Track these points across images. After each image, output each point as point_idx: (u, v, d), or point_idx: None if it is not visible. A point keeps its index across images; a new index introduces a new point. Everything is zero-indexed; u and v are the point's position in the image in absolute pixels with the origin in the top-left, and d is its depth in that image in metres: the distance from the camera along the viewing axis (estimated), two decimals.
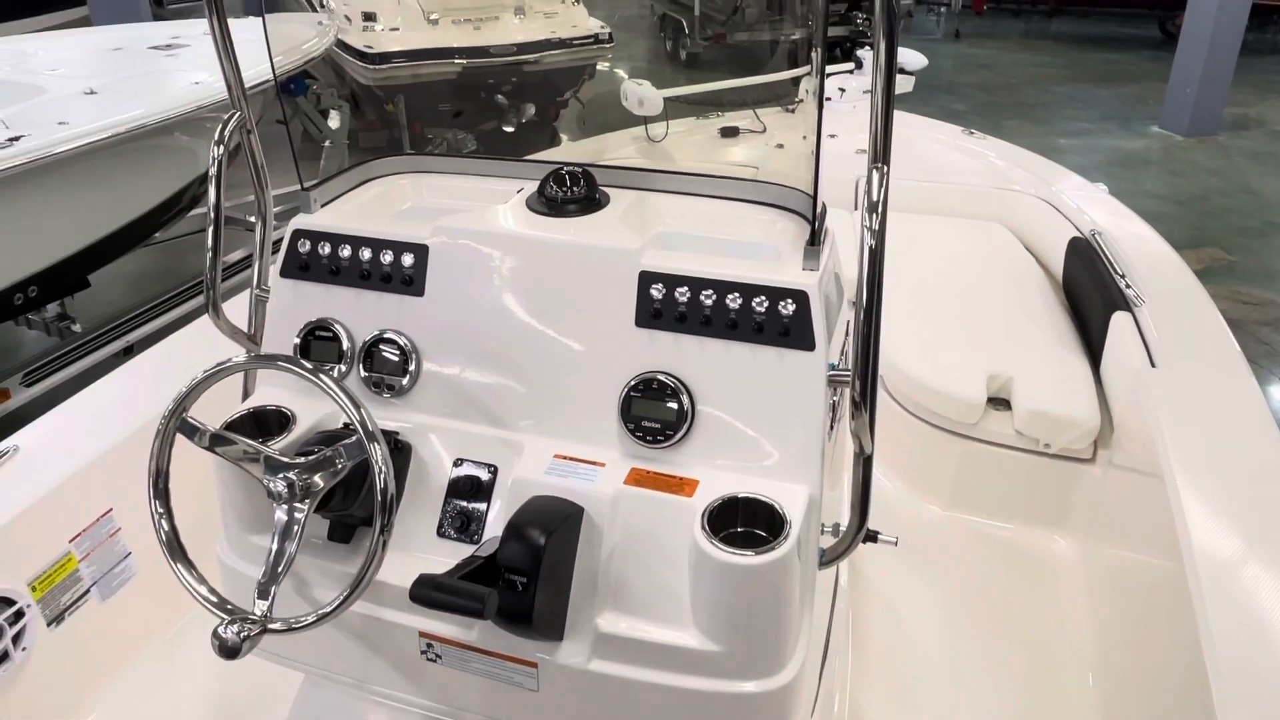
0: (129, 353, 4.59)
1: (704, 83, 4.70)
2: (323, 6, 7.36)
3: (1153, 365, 2.49)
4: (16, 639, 2.02)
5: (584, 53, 7.67)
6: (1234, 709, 1.50)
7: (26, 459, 2.16)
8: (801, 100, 4.05)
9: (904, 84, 4.69)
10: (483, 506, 1.58)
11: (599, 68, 7.87)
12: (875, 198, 1.34)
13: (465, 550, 1.53)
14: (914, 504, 2.93)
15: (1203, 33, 8.77)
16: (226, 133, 1.69)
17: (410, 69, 6.98)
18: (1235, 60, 8.93)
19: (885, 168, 1.35)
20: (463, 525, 1.57)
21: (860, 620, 2.52)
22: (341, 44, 6.90)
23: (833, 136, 3.88)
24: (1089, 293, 3.05)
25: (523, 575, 1.36)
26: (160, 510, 1.45)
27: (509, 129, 7.69)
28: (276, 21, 5.82)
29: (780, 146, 4.02)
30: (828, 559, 1.55)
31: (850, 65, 4.87)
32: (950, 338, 3.02)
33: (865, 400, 1.40)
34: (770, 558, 1.34)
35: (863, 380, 1.40)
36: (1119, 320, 2.72)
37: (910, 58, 4.68)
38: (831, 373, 1.49)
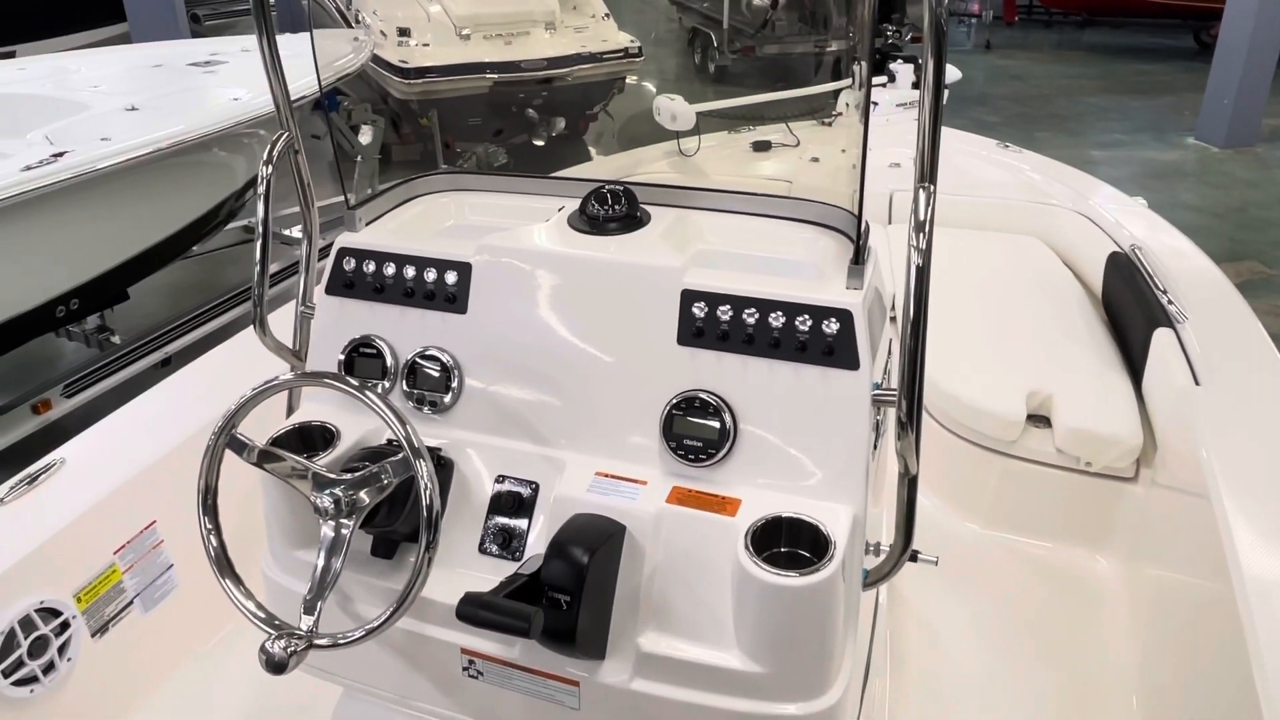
0: (167, 364, 4.65)
1: (733, 96, 4.71)
2: (359, 22, 7.46)
3: (1196, 383, 2.45)
4: (62, 649, 2.05)
5: (613, 67, 7.71)
6: None
7: (73, 471, 2.20)
8: (840, 113, 4.04)
9: None
10: (524, 523, 1.58)
11: (628, 81, 7.90)
12: (923, 217, 1.33)
13: (507, 567, 1.53)
14: (952, 522, 2.90)
15: (1239, 43, 8.66)
16: (275, 153, 1.71)
17: (444, 83, 7.05)
18: (1273, 70, 8.80)
19: (932, 187, 1.34)
20: (504, 542, 1.57)
21: (898, 640, 2.49)
22: (377, 59, 6.98)
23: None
24: (1130, 308, 3.01)
25: (566, 594, 1.36)
26: (209, 526, 1.47)
27: (539, 143, 7.74)
28: (315, 38, 5.89)
29: (815, 160, 4.02)
30: (872, 580, 1.54)
31: (883, 78, 4.85)
32: (989, 354, 2.99)
33: (912, 420, 1.39)
34: (815, 579, 1.33)
35: (909, 400, 1.39)
36: (1161, 337, 2.68)
37: None
38: (876, 392, 1.48)
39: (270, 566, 1.67)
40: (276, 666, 1.32)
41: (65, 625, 2.05)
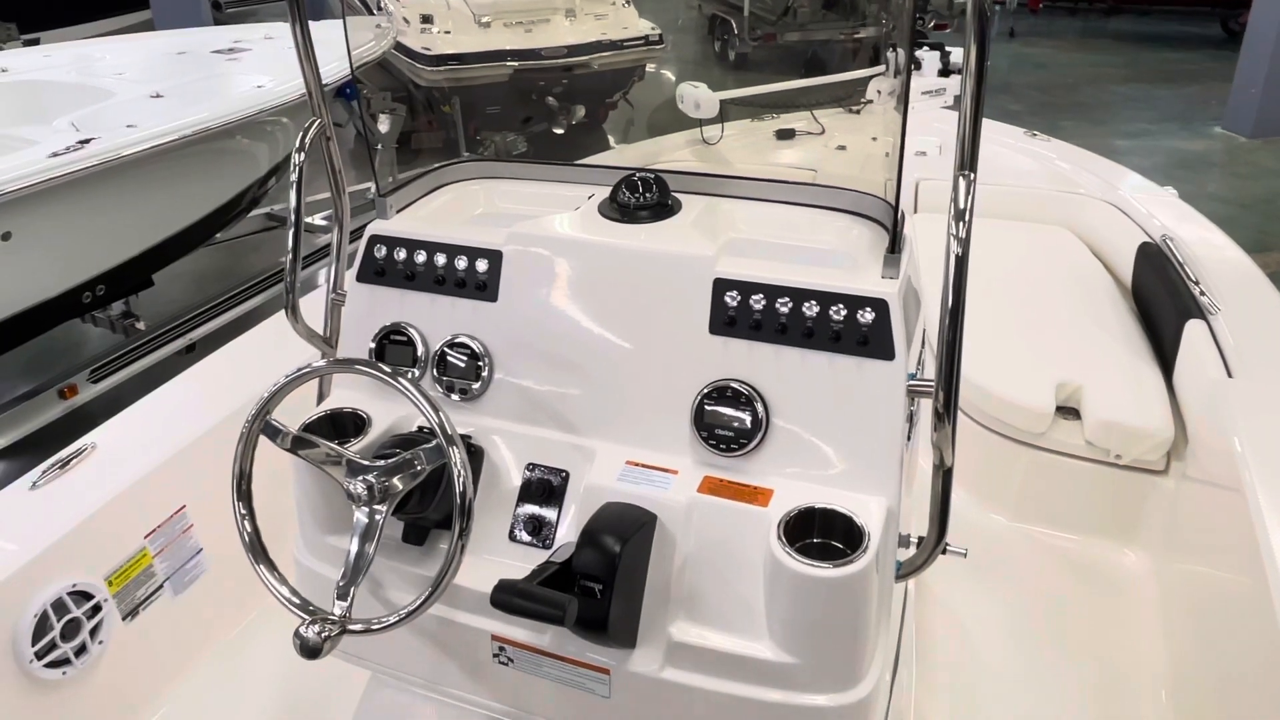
0: (191, 350, 4.68)
1: (753, 83, 4.67)
2: (380, 9, 7.45)
3: (1229, 375, 2.42)
4: (94, 632, 2.07)
5: (634, 54, 7.68)
6: None
7: (104, 456, 2.21)
8: (870, 101, 4.00)
9: (959, 85, 4.61)
10: (554, 512, 1.58)
11: (648, 69, 7.86)
12: (963, 205, 1.32)
13: (537, 555, 1.53)
14: (980, 514, 2.88)
15: (1268, 30, 8.51)
16: (308, 140, 1.71)
17: (466, 71, 7.04)
18: None
19: (973, 175, 1.33)
20: (535, 530, 1.57)
21: (924, 632, 2.48)
22: (400, 45, 6.98)
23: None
24: (1160, 299, 2.97)
25: (599, 582, 1.36)
26: (243, 511, 1.48)
27: (559, 131, 7.72)
28: (336, 25, 5.90)
29: (842, 148, 3.98)
30: (904, 572, 1.53)
31: None
32: (1017, 345, 2.96)
33: (949, 411, 1.38)
34: (849, 570, 1.32)
35: (946, 391, 1.37)
36: (1193, 328, 2.65)
37: None
38: (911, 383, 1.47)
39: (302, 552, 1.68)
40: (311, 651, 1.33)
41: (97, 608, 2.07)
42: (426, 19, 7.20)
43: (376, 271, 1.74)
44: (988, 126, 4.30)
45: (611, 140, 8.02)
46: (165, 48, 5.62)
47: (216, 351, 2.67)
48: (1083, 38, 13.83)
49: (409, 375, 1.69)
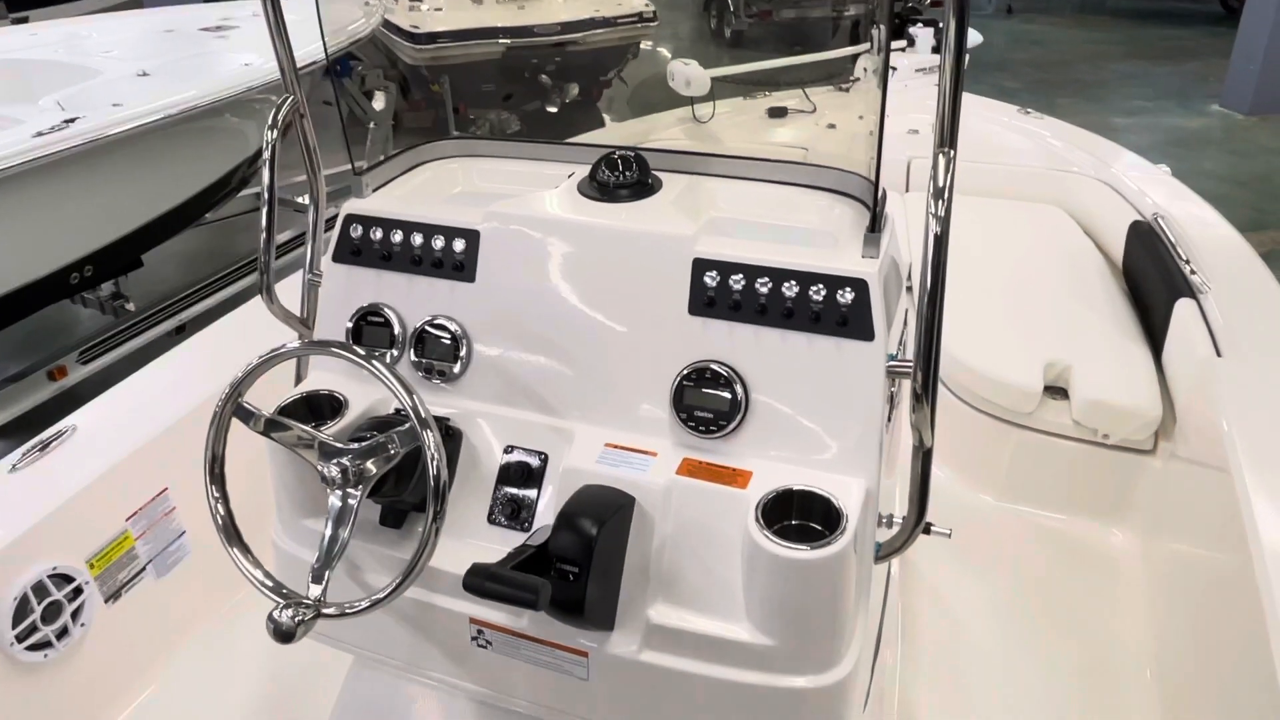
0: (181, 331, 4.67)
1: (749, 61, 4.63)
2: None
3: (1218, 354, 2.41)
4: (75, 615, 2.06)
5: (628, 31, 7.60)
6: None
7: (84, 438, 2.20)
8: (857, 79, 3.96)
9: None
10: (533, 494, 1.57)
11: (642, 46, 7.79)
12: (942, 183, 1.30)
13: (515, 537, 1.53)
14: (967, 494, 2.88)
15: (1267, 7, 8.45)
16: (280, 117, 1.69)
17: (456, 49, 6.97)
18: None
19: (952, 152, 1.30)
20: (513, 512, 1.56)
21: (910, 612, 2.48)
22: (388, 23, 6.90)
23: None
24: (1151, 278, 2.96)
25: (574, 565, 1.35)
26: (216, 494, 1.47)
27: (552, 109, 7.65)
28: (324, 1, 5.84)
29: (832, 126, 3.95)
30: (884, 553, 1.52)
31: (902, 42, 4.76)
32: (1005, 324, 2.95)
33: (927, 392, 1.37)
34: (826, 552, 1.31)
35: (925, 372, 1.36)
36: (1183, 307, 2.64)
37: None
38: (891, 363, 1.46)
39: (279, 535, 1.67)
40: (284, 635, 1.32)
41: (78, 591, 2.06)
42: None
43: (352, 251, 1.72)
44: (980, 104, 4.27)
45: (607, 118, 7.96)
46: (153, 25, 5.57)
47: (198, 333, 2.65)
48: (1081, 14, 13.74)
49: (385, 357, 1.67)
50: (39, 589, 1.98)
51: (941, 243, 1.30)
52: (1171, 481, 2.54)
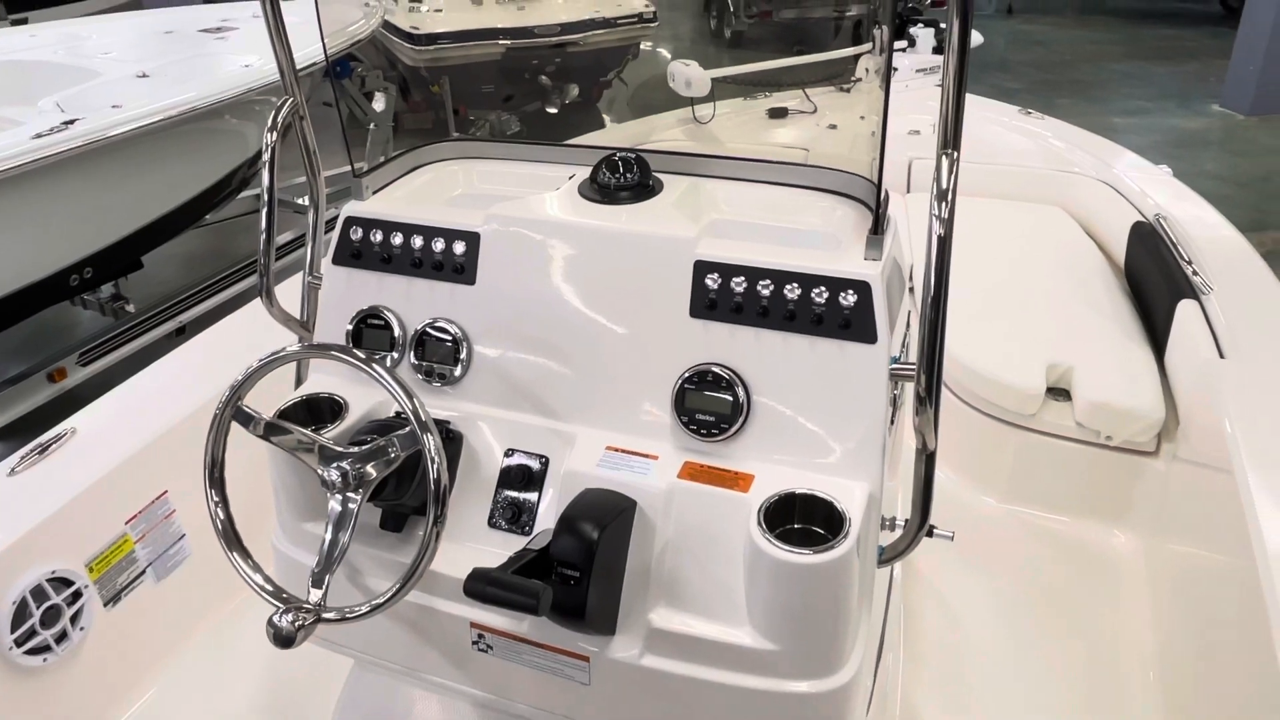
0: (181, 333, 4.66)
1: (750, 61, 4.62)
2: None
3: (1221, 356, 2.40)
4: (75, 618, 2.05)
5: (628, 32, 7.59)
6: None
7: (84, 441, 2.19)
8: (859, 79, 3.95)
9: None
10: (534, 497, 1.56)
11: (643, 47, 7.78)
12: (945, 185, 1.29)
13: (516, 541, 1.52)
14: (969, 496, 2.87)
15: (1267, 7, 8.44)
16: (280, 119, 1.68)
17: (456, 50, 6.97)
18: None
19: (956, 154, 1.30)
20: (514, 516, 1.56)
21: (913, 614, 2.47)
22: (388, 25, 6.90)
23: None
24: (1153, 279, 2.95)
25: (576, 570, 1.34)
26: (216, 499, 1.46)
27: (552, 110, 7.65)
28: (324, 2, 5.83)
29: (833, 127, 3.95)
30: (887, 557, 1.51)
31: (903, 43, 4.75)
32: (1007, 325, 2.94)
33: (930, 395, 1.36)
34: (829, 557, 1.31)
35: (928, 375, 1.35)
36: (1185, 308, 2.63)
37: None
38: (894, 366, 1.45)
39: (279, 539, 1.66)
40: (284, 640, 1.31)
41: (77, 595, 2.06)
42: None
43: (353, 254, 1.71)
44: (982, 105, 4.26)
45: (608, 120, 7.95)
46: (152, 26, 5.56)
47: (199, 335, 2.64)
48: (1082, 14, 13.73)
49: (386, 360, 1.66)
50: (38, 593, 1.97)
51: (945, 245, 1.30)
52: (1174, 483, 2.54)
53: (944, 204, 1.29)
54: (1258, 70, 8.65)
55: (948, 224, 1.29)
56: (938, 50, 4.59)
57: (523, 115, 7.58)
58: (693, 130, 4.13)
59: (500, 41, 7.10)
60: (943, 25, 4.70)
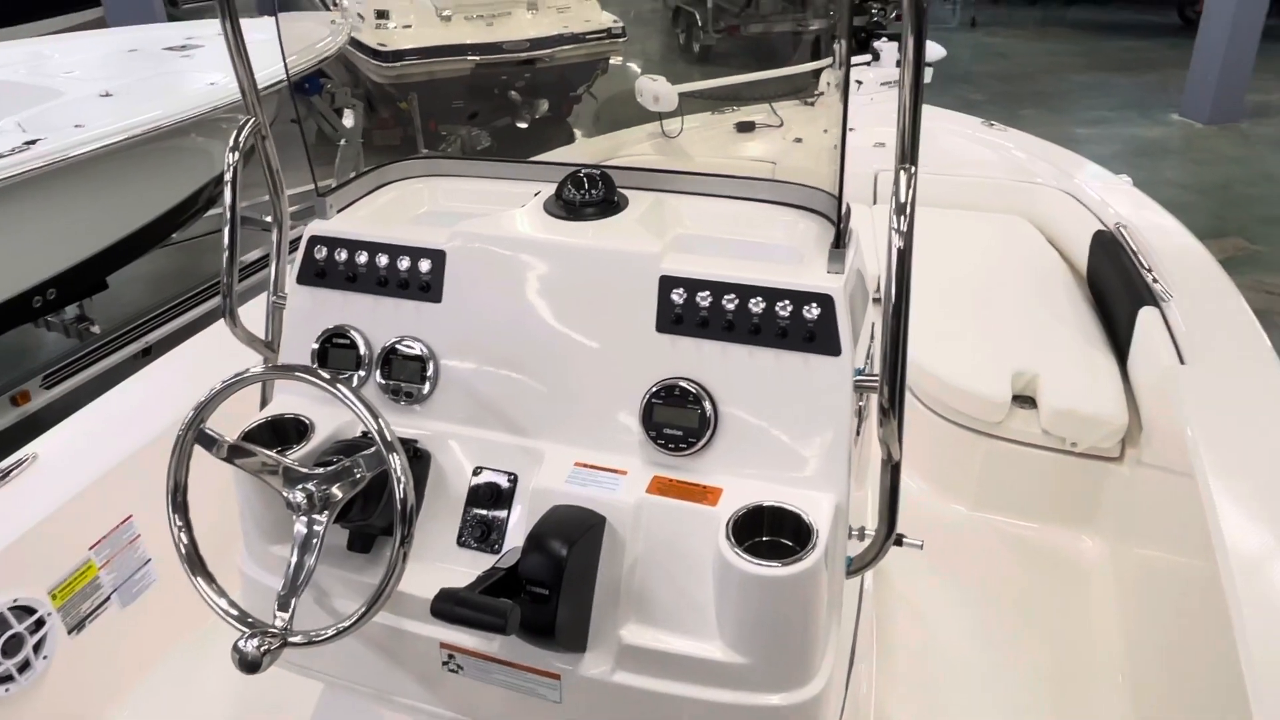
0: (148, 354, 4.60)
1: (718, 76, 4.66)
2: (336, 5, 7.35)
3: (1182, 362, 2.44)
4: (38, 647, 2.02)
5: (596, 47, 7.63)
6: (1271, 710, 1.47)
7: (45, 466, 2.16)
8: (822, 93, 4.00)
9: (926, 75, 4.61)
10: (503, 515, 1.56)
11: (612, 62, 7.82)
12: (904, 199, 1.31)
13: (486, 560, 1.51)
14: (938, 504, 2.89)
15: (1223, 18, 8.62)
16: (241, 139, 1.67)
17: (423, 66, 6.96)
18: (1256, 46, 8.76)
19: (913, 168, 1.32)
20: (483, 534, 1.55)
21: (885, 622, 2.49)
22: (355, 42, 6.88)
23: (850, 130, 3.84)
24: (1115, 287, 3.00)
25: (545, 587, 1.34)
26: (179, 523, 1.44)
27: (522, 125, 7.66)
28: (290, 20, 5.81)
29: (799, 141, 3.98)
30: (856, 567, 1.52)
31: (867, 57, 4.81)
32: (973, 335, 2.98)
33: (894, 406, 1.37)
34: (798, 569, 1.31)
35: (891, 386, 1.36)
36: (1146, 316, 2.67)
37: (928, 49, 4.61)
38: (858, 378, 1.46)
39: (246, 562, 1.65)
40: (249, 665, 1.30)
41: (40, 623, 2.02)
42: (381, 14, 7.11)
43: (317, 273, 1.70)
44: (945, 117, 4.32)
45: (578, 134, 7.98)
46: (116, 45, 5.50)
47: (163, 357, 2.61)
48: (1043, 27, 13.95)
49: (352, 380, 1.65)
50: None
51: (905, 258, 1.31)
52: (1138, 488, 2.57)
53: (903, 218, 1.31)
54: (1215, 80, 8.83)
55: (907, 237, 1.31)
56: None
57: (493, 130, 7.58)
58: (661, 144, 4.15)
59: (469, 58, 7.11)
60: None
